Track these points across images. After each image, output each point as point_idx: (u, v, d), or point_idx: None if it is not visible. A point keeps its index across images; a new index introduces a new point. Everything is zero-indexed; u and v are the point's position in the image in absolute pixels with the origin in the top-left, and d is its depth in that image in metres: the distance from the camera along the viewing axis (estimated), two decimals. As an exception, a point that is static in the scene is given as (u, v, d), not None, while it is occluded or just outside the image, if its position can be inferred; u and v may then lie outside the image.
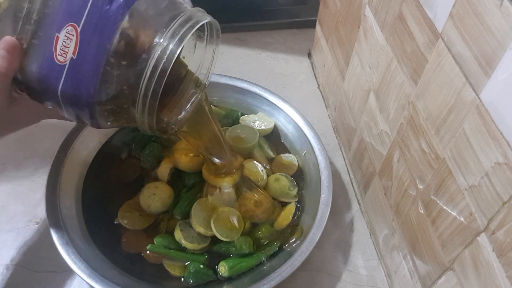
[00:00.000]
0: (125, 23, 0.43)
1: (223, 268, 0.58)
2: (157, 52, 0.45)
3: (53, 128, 0.76)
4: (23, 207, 0.66)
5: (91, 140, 0.70)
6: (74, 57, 0.43)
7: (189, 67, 0.55)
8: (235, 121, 0.73)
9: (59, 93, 0.44)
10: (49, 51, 0.43)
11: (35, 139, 0.75)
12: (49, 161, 0.65)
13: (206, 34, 0.53)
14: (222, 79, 0.77)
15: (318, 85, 0.88)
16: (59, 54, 0.43)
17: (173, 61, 0.46)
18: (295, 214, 0.64)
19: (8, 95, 0.46)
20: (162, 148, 0.69)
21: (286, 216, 0.63)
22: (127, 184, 0.66)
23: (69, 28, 0.43)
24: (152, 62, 0.45)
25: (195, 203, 0.62)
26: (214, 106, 0.75)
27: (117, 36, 0.43)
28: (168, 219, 0.62)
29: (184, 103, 0.56)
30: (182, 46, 0.46)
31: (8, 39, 0.44)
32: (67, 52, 0.43)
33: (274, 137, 0.73)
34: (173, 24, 0.46)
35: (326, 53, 0.82)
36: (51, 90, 0.45)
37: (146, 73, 0.45)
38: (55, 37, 0.43)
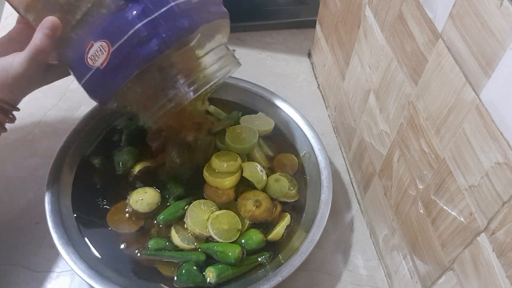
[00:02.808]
0: (154, 62, 0.48)
1: (210, 274, 0.57)
2: (176, 91, 0.51)
3: (53, 128, 0.76)
4: (23, 207, 0.66)
5: (91, 140, 0.70)
6: (101, 68, 0.48)
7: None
8: (236, 121, 0.73)
9: (80, 84, 0.50)
10: (82, 50, 0.48)
11: (35, 139, 0.75)
12: (49, 161, 0.65)
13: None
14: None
15: (318, 85, 0.88)
16: (89, 58, 0.48)
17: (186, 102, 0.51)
18: (289, 225, 0.63)
19: (44, 69, 0.52)
20: (136, 154, 0.68)
21: (281, 228, 0.62)
22: (116, 186, 0.65)
23: (104, 44, 0.47)
24: (167, 98, 0.51)
25: (191, 205, 0.61)
26: (214, 106, 0.75)
27: (141, 71, 0.48)
28: (159, 224, 0.62)
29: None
30: (198, 93, 0.51)
31: (54, 20, 0.48)
32: (96, 60, 0.48)
33: (274, 137, 0.73)
34: (198, 77, 0.52)
35: (326, 53, 0.82)
36: (76, 78, 0.50)
37: (157, 105, 0.52)
38: (90, 43, 0.47)
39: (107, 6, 0.47)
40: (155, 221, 0.62)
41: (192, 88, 0.51)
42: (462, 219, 0.43)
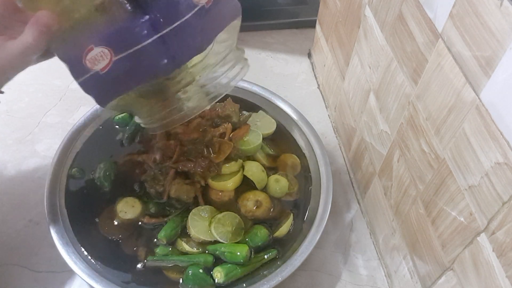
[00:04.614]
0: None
1: (218, 274, 0.57)
2: (182, 104, 0.47)
3: (53, 128, 0.76)
4: (23, 207, 0.66)
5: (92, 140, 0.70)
6: (101, 73, 0.43)
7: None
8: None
9: (77, 82, 0.46)
10: (79, 51, 0.44)
11: (35, 139, 0.75)
12: (49, 161, 0.65)
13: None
14: (222, 79, 0.77)
15: (318, 85, 0.88)
16: (88, 60, 0.43)
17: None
18: (292, 223, 0.63)
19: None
20: (114, 166, 0.67)
21: (285, 227, 0.62)
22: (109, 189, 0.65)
23: (106, 50, 0.43)
24: (173, 107, 0.48)
25: (190, 214, 0.61)
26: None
27: (148, 83, 0.45)
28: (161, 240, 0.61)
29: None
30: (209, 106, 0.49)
31: (51, 16, 0.43)
32: (96, 64, 0.43)
33: (274, 137, 0.73)
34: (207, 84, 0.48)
35: (326, 53, 0.82)
36: (70, 72, 0.46)
37: (160, 114, 0.48)
38: (90, 46, 0.43)
39: (111, 13, 0.42)
40: (156, 239, 0.60)
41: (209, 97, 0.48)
42: (462, 219, 0.43)
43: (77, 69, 0.45)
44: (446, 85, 0.44)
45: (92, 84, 0.45)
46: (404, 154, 0.54)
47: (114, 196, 0.64)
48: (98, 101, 0.48)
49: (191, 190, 0.62)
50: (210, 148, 0.63)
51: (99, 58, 0.43)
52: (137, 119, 0.53)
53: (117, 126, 0.72)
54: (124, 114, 0.72)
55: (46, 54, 0.47)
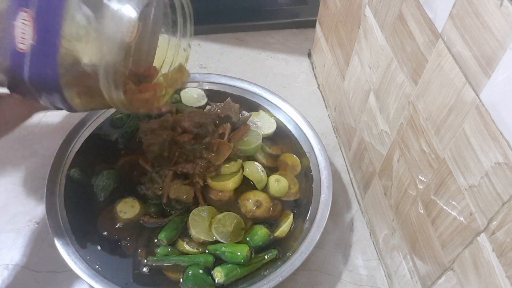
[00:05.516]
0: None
1: (219, 274, 0.57)
2: (113, 21, 0.44)
3: (53, 128, 0.76)
4: (23, 207, 0.66)
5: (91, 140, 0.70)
6: (34, 43, 0.42)
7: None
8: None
9: (27, 80, 0.44)
10: (10, 41, 0.43)
11: (35, 139, 0.75)
12: (49, 161, 0.65)
13: (178, 25, 0.52)
14: (222, 79, 0.77)
15: (318, 85, 0.88)
16: (19, 42, 0.42)
17: (130, 30, 0.46)
18: (292, 223, 0.63)
19: None
20: (115, 176, 0.66)
21: (286, 226, 0.62)
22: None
23: (23, 14, 0.42)
24: (109, 34, 0.44)
25: (190, 215, 0.61)
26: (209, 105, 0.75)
27: (68, 16, 0.42)
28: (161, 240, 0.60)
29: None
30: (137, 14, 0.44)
31: None
32: (26, 39, 0.42)
33: (274, 137, 0.73)
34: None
35: (326, 53, 0.82)
36: (20, 78, 0.44)
37: (103, 49, 0.45)
38: (13, 26, 0.42)
39: None
40: (156, 240, 0.60)
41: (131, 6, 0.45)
42: (462, 219, 0.43)
43: (19, 63, 0.43)
44: (446, 85, 0.44)
45: (36, 64, 0.43)
46: (404, 154, 0.54)
47: (114, 196, 0.64)
48: (53, 79, 0.45)
49: (190, 191, 0.62)
50: (209, 149, 0.64)
51: (25, 28, 0.42)
52: (111, 102, 0.49)
53: (112, 126, 0.72)
54: (121, 114, 0.72)
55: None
